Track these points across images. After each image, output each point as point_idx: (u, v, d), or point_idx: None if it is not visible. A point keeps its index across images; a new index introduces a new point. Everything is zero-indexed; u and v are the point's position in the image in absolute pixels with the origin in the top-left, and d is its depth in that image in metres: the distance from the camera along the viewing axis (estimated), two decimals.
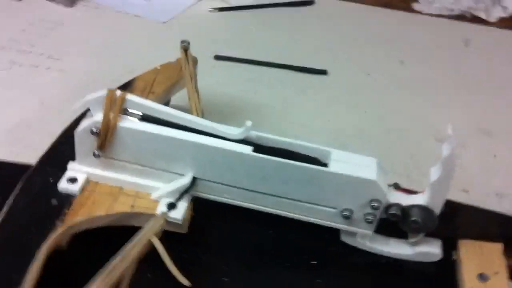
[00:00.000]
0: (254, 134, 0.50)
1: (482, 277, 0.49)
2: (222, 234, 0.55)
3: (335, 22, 0.96)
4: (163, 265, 0.47)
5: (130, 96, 0.49)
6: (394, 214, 0.49)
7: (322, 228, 0.52)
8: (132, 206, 0.51)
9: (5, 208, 0.50)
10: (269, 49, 0.88)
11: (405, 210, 0.49)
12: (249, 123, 0.48)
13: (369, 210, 0.49)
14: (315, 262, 0.53)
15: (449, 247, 0.52)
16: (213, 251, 0.53)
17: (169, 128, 0.49)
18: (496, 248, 0.51)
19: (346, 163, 0.49)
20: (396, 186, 0.51)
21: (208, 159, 0.49)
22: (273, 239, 0.55)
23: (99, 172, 0.52)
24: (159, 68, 0.68)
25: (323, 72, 0.84)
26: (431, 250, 0.52)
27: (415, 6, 1.02)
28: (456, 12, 0.99)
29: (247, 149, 0.49)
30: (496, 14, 0.98)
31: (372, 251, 0.53)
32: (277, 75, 0.83)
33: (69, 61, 0.82)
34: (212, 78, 0.79)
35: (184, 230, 0.51)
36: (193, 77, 0.62)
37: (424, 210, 0.49)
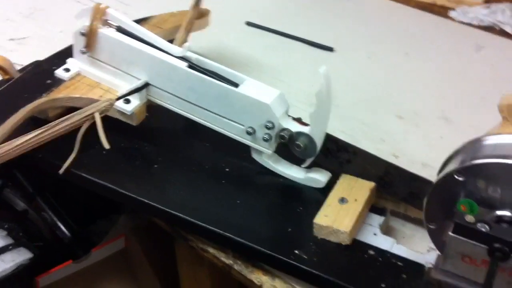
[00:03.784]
0: (194, 56, 0.64)
1: (343, 200, 0.59)
2: (166, 137, 0.70)
3: (366, 14, 1.06)
4: None
5: (110, 10, 0.65)
6: (283, 136, 0.61)
7: (243, 147, 0.64)
8: (100, 96, 0.68)
9: (16, 77, 0.69)
10: (293, 23, 1.00)
11: (293, 135, 0.61)
12: (187, 44, 0.63)
13: (265, 130, 0.61)
14: (228, 169, 0.66)
15: (336, 179, 0.62)
16: (153, 145, 0.68)
17: (132, 39, 0.65)
18: (367, 184, 0.60)
19: (252, 88, 0.61)
20: (297, 118, 0.63)
21: (156, 68, 0.65)
22: (206, 150, 0.68)
23: (86, 68, 0.70)
24: (176, 12, 0.84)
25: (329, 49, 0.95)
26: (318, 177, 0.62)
27: (451, 13, 1.09)
28: (485, 24, 1.04)
29: (183, 64, 0.63)
30: None
31: (274, 170, 0.64)
32: (289, 45, 0.96)
33: (135, 7, 1.01)
34: (237, 36, 0.95)
35: (133, 123, 0.67)
36: (189, 22, 0.78)
37: (307, 137, 0.60)
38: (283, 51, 0.94)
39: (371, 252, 0.56)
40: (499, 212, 0.46)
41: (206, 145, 0.69)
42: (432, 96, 0.85)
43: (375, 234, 0.57)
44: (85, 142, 0.65)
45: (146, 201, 0.61)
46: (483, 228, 0.44)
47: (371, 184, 0.60)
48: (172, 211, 0.59)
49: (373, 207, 0.60)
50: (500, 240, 0.44)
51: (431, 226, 0.50)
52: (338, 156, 0.62)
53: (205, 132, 0.66)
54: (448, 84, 0.88)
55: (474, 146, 0.48)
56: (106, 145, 0.61)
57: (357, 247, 0.56)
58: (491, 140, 0.48)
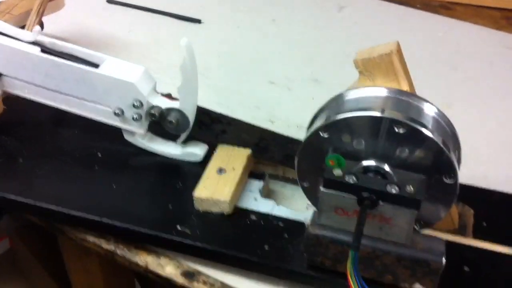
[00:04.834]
0: (48, 40, 0.61)
1: (221, 170, 0.59)
2: (29, 129, 0.65)
3: None
4: None
5: None
6: (153, 114, 0.59)
7: (114, 129, 0.62)
8: None
9: None
10: None
11: (164, 112, 0.59)
12: (37, 28, 0.59)
13: (134, 109, 0.59)
14: (100, 155, 0.63)
15: (213, 151, 0.62)
16: (15, 138, 0.64)
17: None
18: (244, 152, 0.61)
19: (114, 68, 0.59)
20: (166, 94, 0.61)
21: (6, 56, 0.60)
22: (74, 137, 0.65)
23: None
24: None
25: (197, 21, 0.94)
26: (195, 151, 0.62)
27: None
28: None
29: (35, 50, 0.59)
30: None
31: (150, 150, 0.63)
32: (155, 20, 0.93)
33: None
34: (98, 16, 0.92)
35: None
36: (42, 5, 0.73)
37: (178, 112, 0.59)
38: (150, 27, 0.92)
39: (253, 217, 0.56)
40: (364, 163, 0.48)
41: (75, 132, 0.65)
42: (301, 59, 0.87)
43: (255, 199, 0.58)
44: None
45: (13, 197, 0.57)
46: (351, 179, 0.46)
47: (248, 151, 0.61)
48: (42, 205, 0.56)
49: (252, 173, 0.61)
50: (368, 189, 0.46)
51: (305, 184, 0.51)
52: (213, 128, 0.62)
53: (72, 118, 0.63)
54: (314, 46, 0.90)
55: (336, 102, 0.50)
56: None
57: (239, 214, 0.56)
58: (351, 95, 0.49)
